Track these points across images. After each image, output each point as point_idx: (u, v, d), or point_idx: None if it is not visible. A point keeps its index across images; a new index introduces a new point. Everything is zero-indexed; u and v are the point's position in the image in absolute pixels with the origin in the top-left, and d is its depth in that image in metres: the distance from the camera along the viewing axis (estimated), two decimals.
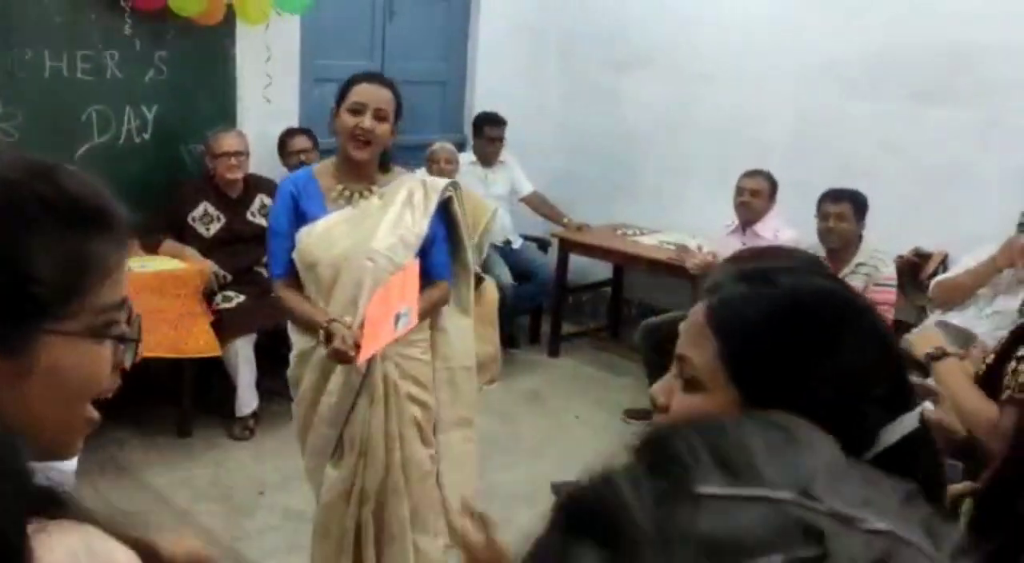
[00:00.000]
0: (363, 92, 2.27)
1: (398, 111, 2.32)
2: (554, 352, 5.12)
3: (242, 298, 3.87)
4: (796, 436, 0.45)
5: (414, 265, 2.25)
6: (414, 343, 2.40)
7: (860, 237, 3.76)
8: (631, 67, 5.28)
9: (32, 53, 3.65)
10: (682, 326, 0.92)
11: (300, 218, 2.34)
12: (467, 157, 5.05)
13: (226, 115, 4.22)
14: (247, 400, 3.84)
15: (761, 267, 0.88)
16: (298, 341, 2.45)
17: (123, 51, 3.90)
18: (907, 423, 0.83)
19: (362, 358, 2.21)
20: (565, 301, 5.27)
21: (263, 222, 4.08)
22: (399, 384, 2.39)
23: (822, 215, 3.74)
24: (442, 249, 2.44)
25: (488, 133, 5.02)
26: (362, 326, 2.24)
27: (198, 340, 3.62)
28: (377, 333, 2.17)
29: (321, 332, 2.27)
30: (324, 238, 2.30)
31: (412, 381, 2.43)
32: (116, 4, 3.78)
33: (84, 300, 0.71)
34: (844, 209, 3.68)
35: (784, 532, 0.38)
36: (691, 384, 0.88)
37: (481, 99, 5.32)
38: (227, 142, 3.96)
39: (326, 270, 2.31)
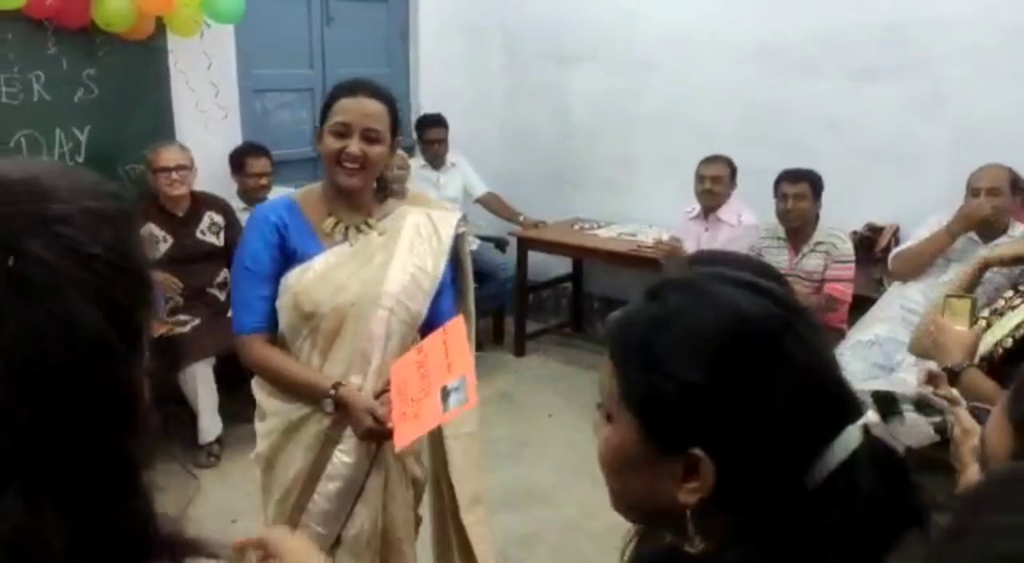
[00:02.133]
0: (347, 109, 1.86)
1: (394, 125, 1.93)
2: (520, 351, 5.06)
3: (196, 321, 3.73)
4: None
5: (459, 322, 1.83)
6: None
7: (817, 216, 3.79)
8: (574, 60, 5.24)
9: None
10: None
11: (288, 258, 1.91)
12: (417, 161, 4.96)
13: (163, 132, 4.06)
14: (210, 427, 3.70)
15: (662, 280, 0.81)
16: (276, 409, 1.97)
17: (49, 71, 3.73)
18: (842, 446, 0.75)
19: (401, 444, 1.75)
20: (527, 299, 5.21)
21: (214, 240, 3.94)
22: (405, 462, 2.03)
23: (780, 196, 3.75)
24: (449, 294, 2.06)
25: (430, 135, 4.95)
26: (383, 393, 1.86)
27: None
28: (417, 410, 1.73)
29: (327, 401, 1.86)
30: (326, 281, 1.89)
31: (412, 456, 2.09)
32: (38, 23, 3.61)
33: None
34: (802, 189, 3.70)
35: None
36: (607, 415, 0.81)
37: (426, 101, 5.23)
38: (167, 156, 3.79)
39: (330, 321, 1.89)
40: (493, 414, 4.26)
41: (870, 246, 4.15)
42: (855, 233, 4.11)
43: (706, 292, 0.78)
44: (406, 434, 1.74)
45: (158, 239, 3.84)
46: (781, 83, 4.47)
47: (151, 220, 3.82)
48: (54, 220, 0.61)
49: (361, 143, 1.86)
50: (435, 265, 1.98)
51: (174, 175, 3.78)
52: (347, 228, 1.95)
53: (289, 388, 1.93)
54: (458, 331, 1.80)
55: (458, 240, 2.08)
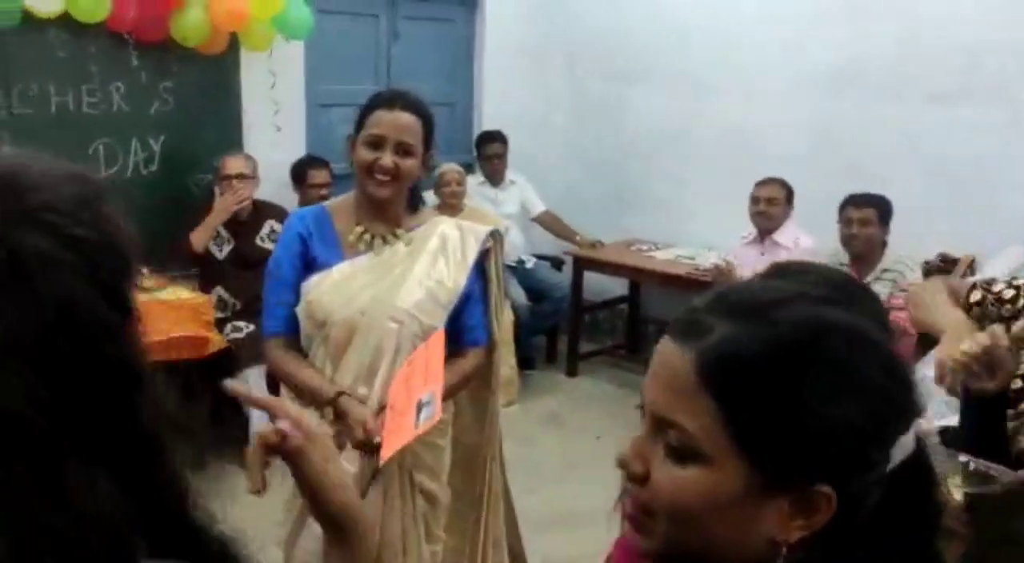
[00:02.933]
0: (382, 122, 1.87)
1: (428, 139, 1.93)
2: (572, 372, 5.04)
3: (252, 327, 3.82)
4: None
5: (440, 336, 1.82)
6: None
7: (885, 243, 3.70)
8: (636, 79, 5.23)
9: (37, 89, 3.63)
10: (655, 370, 0.76)
11: (309, 266, 1.94)
12: (476, 178, 5.01)
13: (233, 143, 4.19)
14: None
15: (756, 299, 0.73)
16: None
17: (128, 83, 3.88)
18: (903, 447, 0.74)
19: (385, 455, 1.76)
20: (581, 320, 5.19)
21: (272, 247, 4.03)
22: (414, 476, 2.02)
23: (845, 221, 3.67)
24: (476, 310, 2.01)
25: (489, 151, 4.99)
26: (383, 409, 1.84)
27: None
28: (400, 425, 1.74)
29: (327, 409, 1.87)
30: (340, 291, 1.90)
31: (427, 472, 2.05)
32: (120, 37, 3.76)
33: None
34: (868, 214, 3.62)
35: None
36: (682, 454, 0.72)
37: (488, 119, 5.29)
38: (233, 164, 3.94)
39: (340, 330, 1.90)
40: (541, 434, 4.25)
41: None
42: (927, 263, 3.99)
43: (848, 328, 0.72)
44: (390, 447, 1.74)
45: (224, 239, 3.96)
46: (850, 106, 4.39)
47: None
48: (38, 209, 0.63)
49: (394, 155, 1.87)
50: (455, 279, 1.96)
51: (236, 183, 3.90)
52: (373, 238, 1.96)
53: (298, 392, 1.95)
54: (437, 345, 1.78)
55: (485, 255, 2.04)
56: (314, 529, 1.79)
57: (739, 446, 0.69)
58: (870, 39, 4.29)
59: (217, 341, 3.69)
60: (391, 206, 1.95)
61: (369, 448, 1.82)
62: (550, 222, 5.19)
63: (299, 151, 4.41)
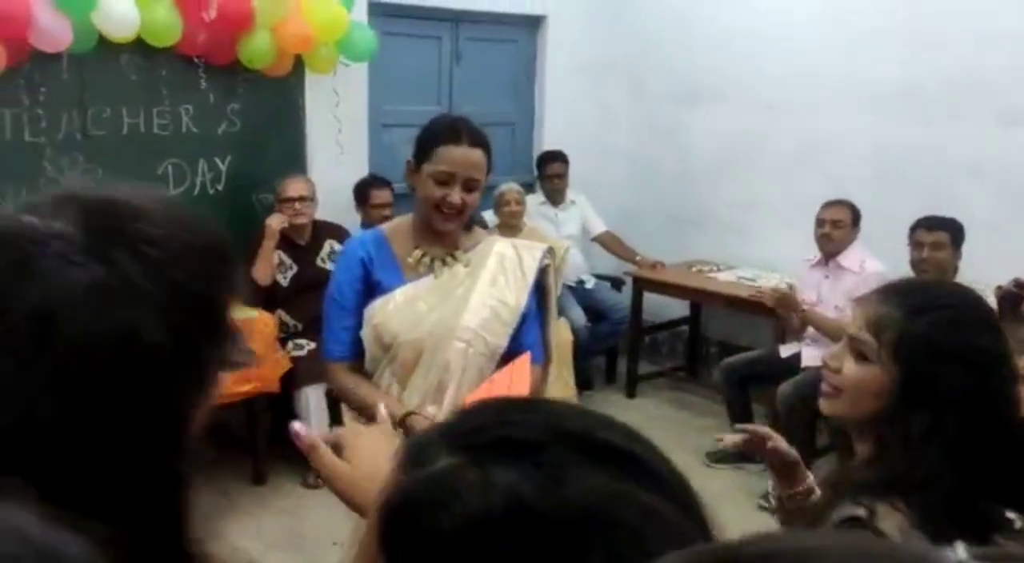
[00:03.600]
0: (452, 159, 1.89)
1: (490, 168, 1.98)
2: (631, 393, 4.98)
3: (312, 346, 3.86)
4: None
5: (526, 360, 1.81)
6: None
7: (956, 268, 3.57)
8: (699, 100, 5.17)
9: (110, 111, 3.75)
10: (860, 313, 1.26)
11: (371, 290, 1.98)
12: (536, 198, 5.01)
13: (296, 164, 4.27)
14: None
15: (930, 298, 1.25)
16: None
17: (197, 105, 3.98)
18: None
19: None
20: (641, 340, 5.13)
21: (332, 267, 4.08)
22: None
23: (915, 244, 3.56)
24: (535, 326, 2.06)
25: (550, 170, 4.99)
26: None
27: (267, 379, 3.64)
28: None
29: (399, 430, 1.87)
30: (405, 313, 1.94)
31: None
32: (190, 60, 3.86)
33: None
34: (940, 238, 3.50)
35: None
36: (859, 352, 1.25)
37: (549, 139, 5.28)
38: (293, 187, 3.97)
39: (407, 351, 1.94)
40: None
41: (1016, 303, 3.87)
42: (1000, 288, 3.83)
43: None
44: None
45: (287, 266, 4.02)
46: (920, 127, 4.27)
47: (279, 248, 3.99)
48: (143, 241, 0.64)
49: (462, 192, 1.90)
50: (517, 298, 1.99)
51: (297, 205, 3.94)
52: (432, 261, 2.00)
53: (368, 415, 1.93)
54: (523, 367, 1.76)
55: (543, 273, 2.07)
56: None
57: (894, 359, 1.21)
58: (938, 59, 4.17)
59: (284, 363, 3.73)
60: (451, 231, 1.99)
61: None
62: (610, 242, 5.15)
63: (361, 171, 4.46)
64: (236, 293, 0.71)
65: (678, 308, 5.26)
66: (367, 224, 4.29)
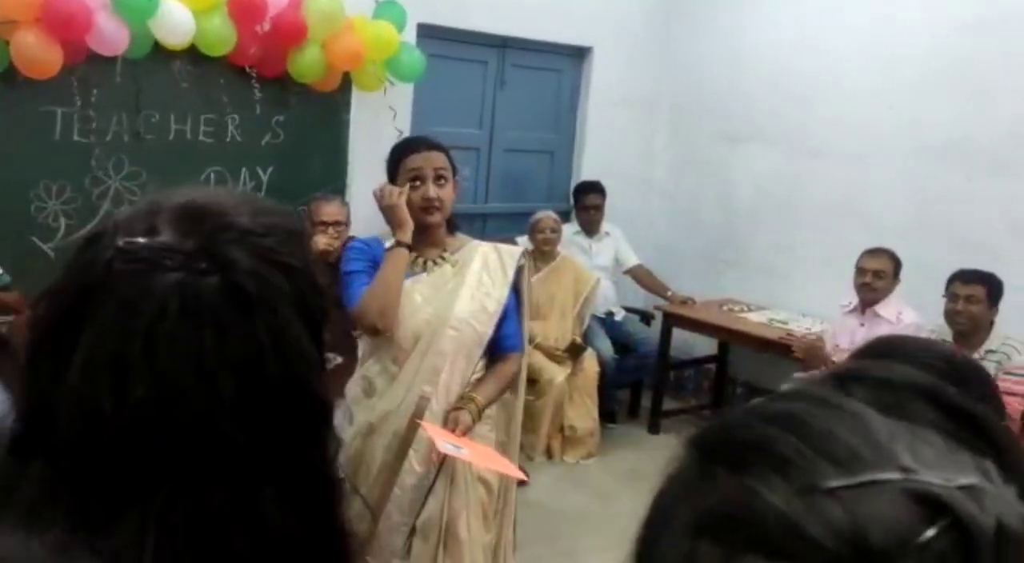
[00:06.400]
0: (416, 162, 2.25)
1: (454, 167, 2.32)
2: (654, 428, 4.94)
3: (339, 360, 3.86)
4: (856, 413, 0.43)
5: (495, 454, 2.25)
6: (485, 418, 2.30)
7: (992, 323, 3.51)
8: (742, 140, 5.16)
9: (159, 115, 3.82)
10: None
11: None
12: (571, 227, 5.01)
13: (337, 178, 4.31)
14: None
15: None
16: (363, 412, 2.30)
17: (244, 115, 4.04)
18: None
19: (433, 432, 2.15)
20: (667, 376, 5.09)
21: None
22: (473, 465, 2.29)
23: (951, 296, 3.51)
24: (513, 319, 2.38)
25: (586, 201, 4.98)
26: (455, 409, 2.23)
27: None
28: (440, 433, 2.16)
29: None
30: (405, 302, 2.25)
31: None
32: (242, 70, 3.93)
33: None
34: (976, 291, 3.45)
35: (913, 510, 0.38)
36: None
37: (588, 169, 5.29)
38: (327, 211, 3.75)
39: (406, 337, 2.25)
40: (619, 490, 4.15)
41: None
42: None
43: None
44: (439, 435, 2.12)
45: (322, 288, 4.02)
46: (961, 179, 4.22)
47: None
48: (252, 233, 0.61)
49: (435, 187, 2.23)
50: (499, 291, 2.32)
51: (331, 230, 3.73)
52: (425, 261, 2.32)
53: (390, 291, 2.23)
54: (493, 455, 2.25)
55: (519, 272, 2.38)
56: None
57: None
58: (985, 113, 4.13)
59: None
60: (437, 232, 2.32)
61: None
62: (642, 276, 5.14)
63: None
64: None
65: (706, 346, 5.22)
66: None
